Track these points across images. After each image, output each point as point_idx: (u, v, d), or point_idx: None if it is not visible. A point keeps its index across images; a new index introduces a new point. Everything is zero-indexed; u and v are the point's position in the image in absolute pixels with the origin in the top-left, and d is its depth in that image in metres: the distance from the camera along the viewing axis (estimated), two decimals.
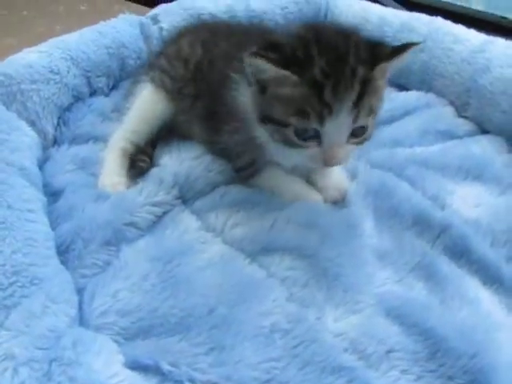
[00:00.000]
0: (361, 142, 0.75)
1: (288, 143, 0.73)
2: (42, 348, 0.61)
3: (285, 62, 0.68)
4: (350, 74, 0.69)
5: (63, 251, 0.76)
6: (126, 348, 0.66)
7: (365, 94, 0.70)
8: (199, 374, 0.64)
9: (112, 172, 0.88)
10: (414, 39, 1.04)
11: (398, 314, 0.70)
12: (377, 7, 1.13)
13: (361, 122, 0.72)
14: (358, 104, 0.69)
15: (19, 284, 0.66)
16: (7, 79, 0.89)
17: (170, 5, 1.07)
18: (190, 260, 0.76)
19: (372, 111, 0.73)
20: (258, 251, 0.77)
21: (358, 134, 0.73)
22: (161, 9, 1.06)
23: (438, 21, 1.07)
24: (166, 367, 0.64)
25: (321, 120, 0.69)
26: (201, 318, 0.69)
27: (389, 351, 0.67)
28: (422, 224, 0.80)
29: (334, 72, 0.69)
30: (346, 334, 0.68)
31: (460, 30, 1.04)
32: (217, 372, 0.64)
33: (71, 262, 0.75)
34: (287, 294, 0.72)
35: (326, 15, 1.12)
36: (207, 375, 0.64)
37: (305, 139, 0.72)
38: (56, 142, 0.94)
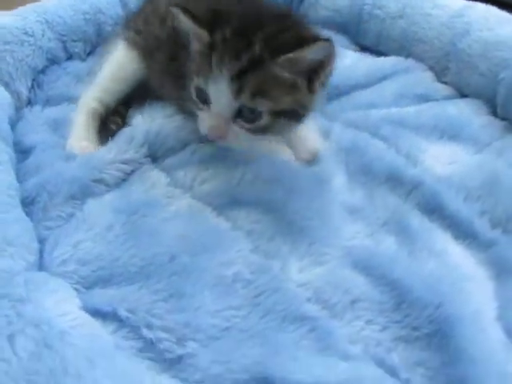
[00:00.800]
0: (256, 131, 0.72)
1: (193, 103, 0.73)
2: None
3: (203, 20, 0.70)
4: (244, 49, 0.68)
5: (28, 203, 0.75)
6: (84, 296, 0.65)
7: (253, 74, 0.68)
8: (156, 319, 0.62)
9: (81, 135, 0.86)
10: (393, 7, 1.03)
11: (365, 266, 0.69)
12: None
13: (246, 103, 0.69)
14: (240, 80, 0.68)
15: None
16: None
17: None
18: (155, 212, 0.74)
19: (270, 100, 0.69)
20: (224, 204, 0.75)
21: (249, 118, 0.70)
22: None
23: None
24: (123, 313, 0.63)
25: (206, 81, 0.69)
26: (161, 266, 0.68)
27: (354, 301, 0.65)
28: (394, 181, 0.79)
29: (232, 40, 0.69)
30: (309, 284, 0.67)
31: None
32: (174, 318, 0.63)
33: (35, 215, 0.74)
34: (252, 246, 0.71)
35: None
36: (164, 321, 0.62)
37: (201, 101, 0.72)
38: (29, 103, 0.93)
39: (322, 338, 0.62)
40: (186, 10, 0.71)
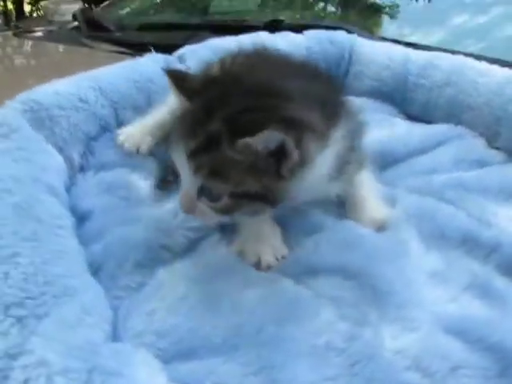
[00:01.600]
0: (219, 211, 0.67)
1: None
2: (79, 358, 0.54)
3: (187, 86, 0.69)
4: (202, 125, 0.64)
5: (95, 271, 0.71)
6: (166, 370, 0.60)
7: (208, 154, 0.64)
8: None
9: (138, 130, 0.86)
10: (438, 76, 1.05)
11: (458, 331, 0.65)
12: (400, 47, 1.15)
13: (204, 182, 0.65)
14: (195, 158, 0.64)
15: (51, 294, 0.61)
16: (36, 105, 0.87)
17: (196, 45, 1.07)
18: (230, 282, 0.70)
19: (228, 182, 0.65)
20: (301, 273, 0.72)
21: (210, 198, 0.66)
22: (187, 49, 1.06)
23: (461, 58, 1.08)
24: None
25: (174, 152, 0.67)
26: (247, 337, 0.63)
27: (454, 368, 0.61)
28: (470, 243, 0.77)
29: (196, 114, 0.66)
30: (406, 352, 0.62)
31: (482, 65, 1.05)
32: None
33: (104, 283, 0.70)
34: (338, 314, 0.66)
35: (350, 54, 1.12)
36: None
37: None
38: (82, 169, 0.90)
39: None
40: (171, 73, 0.69)
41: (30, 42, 1.89)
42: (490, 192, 0.84)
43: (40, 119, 0.86)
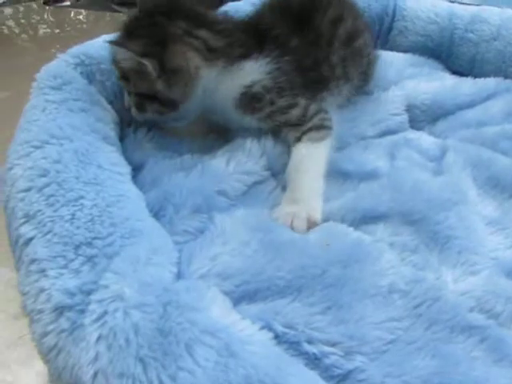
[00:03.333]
0: (137, 109, 0.80)
1: None
2: (153, 293, 0.54)
3: None
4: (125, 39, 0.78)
5: (152, 217, 0.70)
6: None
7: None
8: (318, 333, 0.57)
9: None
10: (486, 30, 1.03)
11: None
12: (445, 2, 1.13)
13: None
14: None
15: (118, 234, 0.60)
16: (87, 59, 0.86)
17: (238, 2, 1.07)
18: (289, 230, 0.70)
19: (130, 84, 0.79)
20: (359, 219, 0.72)
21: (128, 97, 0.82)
22: (230, 6, 1.05)
23: (509, 11, 1.05)
24: (279, 328, 0.57)
25: None
26: (313, 279, 0.62)
27: None
28: None
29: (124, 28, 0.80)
30: (470, 293, 0.63)
31: None
32: (337, 331, 0.57)
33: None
34: (399, 258, 0.66)
35: (394, 11, 1.10)
36: (327, 334, 0.57)
37: None
38: (130, 125, 0.89)
39: (495, 348, 0.57)
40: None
41: (58, 10, 1.87)
42: None
43: (91, 72, 0.86)
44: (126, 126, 0.88)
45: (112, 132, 0.79)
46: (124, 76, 0.79)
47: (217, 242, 0.67)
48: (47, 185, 0.64)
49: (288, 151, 0.80)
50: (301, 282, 0.62)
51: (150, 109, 0.79)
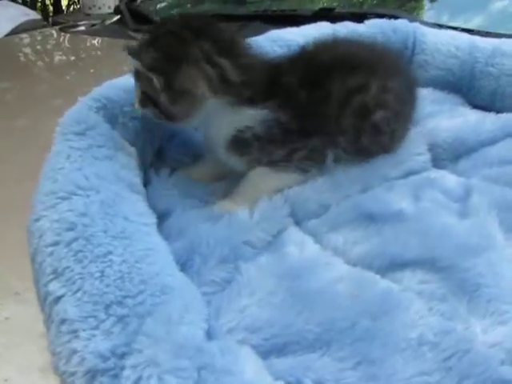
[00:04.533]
0: (141, 105, 0.81)
1: None
2: (187, 356, 0.55)
3: None
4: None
5: (180, 268, 0.70)
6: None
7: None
8: None
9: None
10: (506, 64, 1.03)
11: None
12: (465, 35, 1.13)
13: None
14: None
15: (149, 292, 0.61)
16: (109, 102, 0.87)
17: (258, 37, 1.06)
18: (317, 277, 0.70)
19: (137, 81, 0.81)
20: (386, 266, 0.72)
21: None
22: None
23: None
24: None
25: None
26: (342, 333, 0.63)
27: None
28: None
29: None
30: (500, 345, 0.62)
31: None
32: None
33: (189, 279, 0.70)
34: (427, 307, 0.66)
35: (414, 44, 1.10)
36: None
37: None
38: (152, 165, 0.91)
39: None
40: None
41: (74, 37, 1.90)
42: None
43: (114, 116, 0.87)
44: (148, 168, 0.89)
45: (137, 178, 0.80)
46: (136, 73, 0.81)
47: (244, 293, 0.68)
48: (75, 239, 0.65)
49: (311, 197, 0.81)
50: (330, 335, 0.63)
51: (150, 109, 0.81)
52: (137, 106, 0.82)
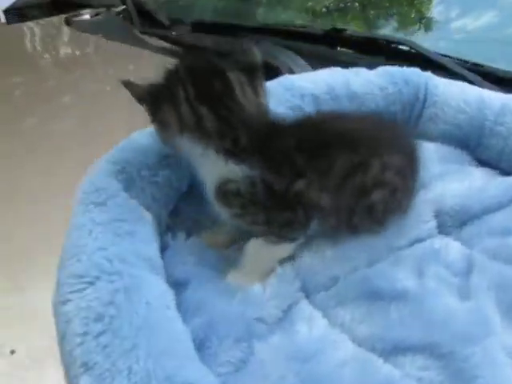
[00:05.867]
0: None
1: None
2: None
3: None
4: None
5: (197, 348, 0.78)
6: None
7: None
8: None
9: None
10: None
11: None
12: (474, 88, 1.17)
13: None
14: None
15: None
16: (128, 165, 0.93)
17: (272, 82, 1.09)
18: (324, 359, 0.77)
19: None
20: (389, 350, 0.79)
21: None
22: None
23: None
24: None
25: None
26: None
27: None
28: None
29: None
30: None
31: None
32: None
33: (206, 360, 0.77)
34: None
35: (425, 96, 1.14)
36: None
37: None
38: (169, 228, 0.97)
39: None
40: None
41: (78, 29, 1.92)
42: None
43: (131, 179, 0.92)
44: (164, 230, 0.95)
45: (153, 251, 0.86)
46: None
47: (257, 376, 0.76)
48: (103, 333, 0.71)
49: (321, 270, 0.88)
50: None
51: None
52: None
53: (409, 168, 0.93)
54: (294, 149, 0.84)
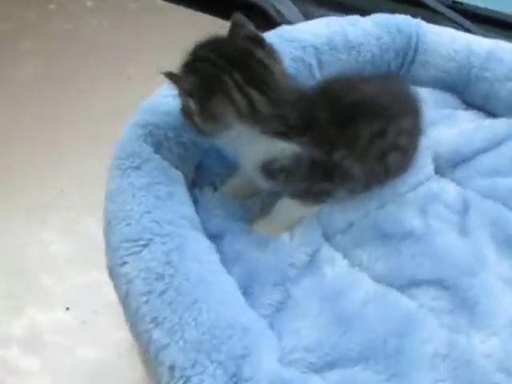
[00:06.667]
0: (183, 115, 0.94)
1: None
2: None
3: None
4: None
5: (243, 294, 0.90)
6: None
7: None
8: None
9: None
10: (500, 69, 1.20)
11: None
12: (463, 35, 1.27)
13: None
14: None
15: (236, 338, 0.79)
16: (155, 128, 1.00)
17: (272, 34, 1.15)
18: (350, 297, 0.92)
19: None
20: (404, 285, 0.95)
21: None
22: None
23: None
24: None
25: None
26: (376, 350, 0.85)
27: None
28: None
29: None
30: (493, 356, 0.86)
31: None
32: None
33: (251, 305, 0.89)
34: (438, 322, 0.90)
35: (416, 44, 1.24)
36: None
37: None
38: (195, 184, 1.07)
39: None
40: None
41: None
42: None
43: (159, 142, 1.00)
44: (191, 186, 1.05)
45: (193, 210, 0.97)
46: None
47: (297, 316, 0.89)
48: (165, 291, 0.82)
49: (339, 216, 1.01)
50: (368, 352, 0.85)
51: (188, 122, 0.92)
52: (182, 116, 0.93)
53: (416, 128, 1.04)
54: (328, 121, 0.92)
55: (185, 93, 0.87)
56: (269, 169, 0.92)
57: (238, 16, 0.92)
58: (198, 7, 1.65)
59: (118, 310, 0.88)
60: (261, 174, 0.94)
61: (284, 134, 0.90)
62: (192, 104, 0.87)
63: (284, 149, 0.90)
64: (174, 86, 0.88)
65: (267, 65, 0.89)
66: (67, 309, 1.16)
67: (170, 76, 0.87)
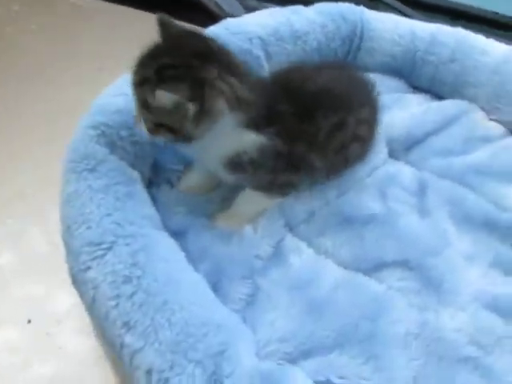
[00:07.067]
0: (149, 132, 0.88)
1: None
2: None
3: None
4: (144, 67, 0.86)
5: (212, 290, 0.89)
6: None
7: (142, 89, 0.86)
8: (366, 381, 0.82)
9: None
10: (444, 52, 1.24)
11: (495, 307, 0.91)
12: (405, 21, 1.31)
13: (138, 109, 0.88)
14: (135, 88, 0.87)
15: (212, 334, 0.78)
16: (107, 128, 0.98)
17: (217, 28, 1.15)
18: (319, 285, 0.93)
19: (150, 113, 0.86)
20: (370, 268, 0.96)
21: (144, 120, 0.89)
22: (208, 32, 1.11)
23: (461, 32, 1.27)
24: (337, 381, 0.81)
25: None
26: (350, 334, 0.86)
27: (499, 339, 0.88)
28: (491, 226, 1.02)
29: (147, 55, 0.87)
30: (463, 330, 0.88)
31: (481, 40, 1.26)
32: (379, 377, 0.82)
33: (221, 300, 0.88)
34: (407, 303, 0.91)
35: (362, 32, 1.26)
36: (371, 381, 0.82)
37: None
38: (153, 182, 1.06)
39: (484, 374, 0.85)
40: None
41: None
42: (501, 175, 1.09)
43: (112, 142, 0.98)
44: (147, 185, 1.03)
45: (152, 209, 0.95)
46: (145, 106, 0.85)
47: (268, 308, 0.89)
48: (134, 293, 0.80)
49: (301, 207, 1.02)
50: (342, 337, 0.86)
51: (162, 136, 0.87)
52: (144, 132, 0.88)
53: (373, 118, 1.07)
54: (288, 113, 0.93)
55: (188, 99, 0.82)
56: (236, 162, 0.92)
57: (162, 16, 0.91)
58: (136, 5, 1.63)
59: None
60: (225, 168, 0.94)
61: (255, 124, 0.90)
62: (192, 111, 0.83)
63: (254, 140, 0.90)
64: (173, 96, 0.82)
65: (230, 55, 0.89)
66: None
67: (162, 86, 0.81)
